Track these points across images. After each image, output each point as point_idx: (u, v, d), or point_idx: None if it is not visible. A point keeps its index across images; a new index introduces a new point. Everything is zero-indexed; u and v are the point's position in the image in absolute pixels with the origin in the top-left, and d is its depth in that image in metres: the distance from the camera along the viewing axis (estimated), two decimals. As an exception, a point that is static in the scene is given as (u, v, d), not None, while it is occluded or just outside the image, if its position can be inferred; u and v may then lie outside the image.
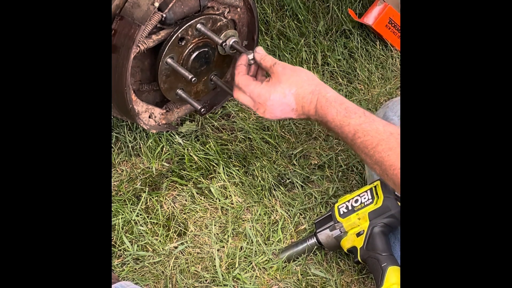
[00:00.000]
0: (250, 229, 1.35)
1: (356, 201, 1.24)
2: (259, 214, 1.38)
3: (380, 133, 1.10)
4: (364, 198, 1.23)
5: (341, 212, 1.25)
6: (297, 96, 1.19)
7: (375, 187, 1.23)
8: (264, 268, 1.30)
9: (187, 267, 1.29)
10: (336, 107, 1.16)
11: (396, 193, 1.21)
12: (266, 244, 1.33)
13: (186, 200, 1.41)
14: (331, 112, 1.16)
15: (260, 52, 1.26)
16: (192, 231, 1.35)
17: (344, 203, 1.25)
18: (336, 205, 1.26)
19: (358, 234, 1.23)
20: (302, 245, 1.29)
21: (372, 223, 1.21)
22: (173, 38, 1.32)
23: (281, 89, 1.19)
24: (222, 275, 1.28)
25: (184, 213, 1.39)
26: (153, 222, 1.37)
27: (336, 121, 1.15)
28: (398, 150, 1.06)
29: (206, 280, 1.28)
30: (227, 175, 1.45)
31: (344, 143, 1.20)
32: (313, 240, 1.28)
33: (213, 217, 1.38)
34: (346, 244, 1.25)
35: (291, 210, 1.39)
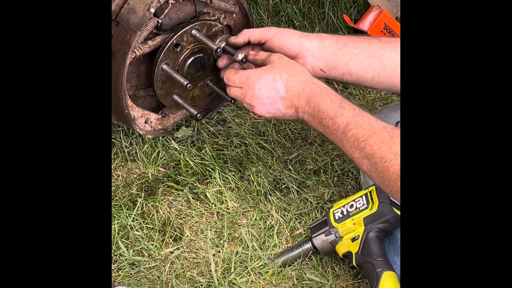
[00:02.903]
0: (245, 234, 1.35)
1: (351, 206, 1.24)
2: (255, 219, 1.38)
3: (373, 126, 1.08)
4: (359, 203, 1.24)
5: (336, 217, 1.25)
6: (288, 83, 1.16)
7: (370, 192, 1.24)
8: (259, 273, 1.30)
9: (183, 272, 1.30)
10: (330, 97, 1.13)
11: (391, 198, 1.21)
12: (261, 249, 1.33)
13: (182, 205, 1.41)
14: (325, 101, 1.13)
15: (251, 52, 1.26)
16: (188, 236, 1.36)
17: (339, 208, 1.26)
18: (331, 210, 1.26)
19: (353, 239, 1.23)
20: (297, 250, 1.30)
21: (367, 228, 1.22)
22: (169, 44, 1.33)
23: (272, 74, 1.17)
24: (218, 280, 1.28)
25: (180, 218, 1.39)
26: (149, 227, 1.37)
27: (329, 111, 1.12)
28: (391, 144, 1.04)
29: (201, 285, 1.28)
30: (223, 180, 1.45)
31: (329, 139, 1.14)
32: (309, 245, 1.28)
33: (209, 222, 1.39)
34: (341, 249, 1.25)
35: (287, 215, 1.39)
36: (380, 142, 1.05)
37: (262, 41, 1.29)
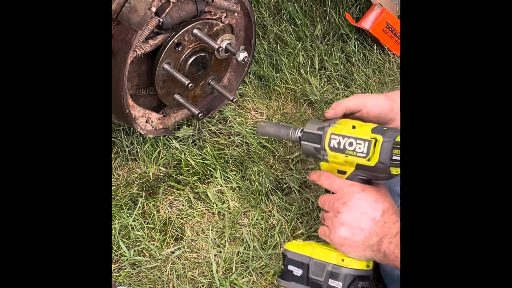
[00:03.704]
0: (247, 234, 1.35)
1: (351, 144, 1.11)
2: (256, 219, 1.38)
3: None
4: (359, 148, 1.10)
5: (331, 144, 1.12)
6: (387, 210, 1.10)
7: (375, 142, 1.10)
8: (261, 273, 1.30)
9: (184, 272, 1.29)
10: None
11: (391, 160, 1.09)
12: (263, 249, 1.33)
13: (183, 205, 1.41)
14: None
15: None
16: (189, 236, 1.35)
17: (338, 135, 1.13)
18: (330, 130, 1.13)
19: (340, 172, 1.14)
20: (285, 131, 1.18)
21: (356, 172, 1.11)
22: (170, 43, 1.32)
23: (376, 194, 1.11)
24: (219, 280, 1.27)
25: (181, 218, 1.38)
26: (150, 227, 1.36)
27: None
28: None
29: (203, 286, 1.27)
30: (224, 180, 1.44)
31: None
32: (297, 135, 1.17)
33: (210, 222, 1.38)
34: (325, 169, 1.16)
35: (288, 215, 1.38)
36: None
37: (357, 110, 1.21)
